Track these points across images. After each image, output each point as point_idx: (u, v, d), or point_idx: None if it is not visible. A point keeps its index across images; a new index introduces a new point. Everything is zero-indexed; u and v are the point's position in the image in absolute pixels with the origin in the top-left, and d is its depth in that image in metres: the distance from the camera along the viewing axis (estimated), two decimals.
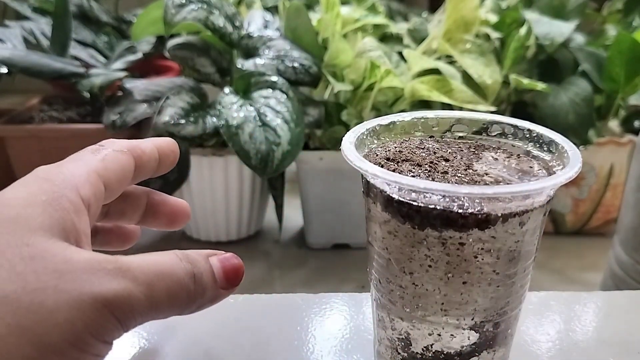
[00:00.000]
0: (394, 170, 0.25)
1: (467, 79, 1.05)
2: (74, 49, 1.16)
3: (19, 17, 1.26)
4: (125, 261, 0.21)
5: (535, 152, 0.28)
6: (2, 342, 0.18)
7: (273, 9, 1.23)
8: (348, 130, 0.27)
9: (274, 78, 0.97)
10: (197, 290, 0.23)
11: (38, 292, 0.19)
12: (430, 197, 0.22)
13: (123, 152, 0.26)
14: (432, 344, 0.26)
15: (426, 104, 1.04)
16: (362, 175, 0.25)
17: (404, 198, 0.23)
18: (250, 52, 1.07)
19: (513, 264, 0.24)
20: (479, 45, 1.09)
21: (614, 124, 1.21)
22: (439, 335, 0.25)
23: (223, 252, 0.25)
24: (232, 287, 0.24)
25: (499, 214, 0.22)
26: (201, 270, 0.23)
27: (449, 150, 0.28)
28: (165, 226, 0.31)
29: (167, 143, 0.29)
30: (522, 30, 1.12)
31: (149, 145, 0.28)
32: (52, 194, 0.22)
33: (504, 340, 0.27)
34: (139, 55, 1.21)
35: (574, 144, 0.26)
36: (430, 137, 0.30)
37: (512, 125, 0.29)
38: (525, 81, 1.05)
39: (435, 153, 0.28)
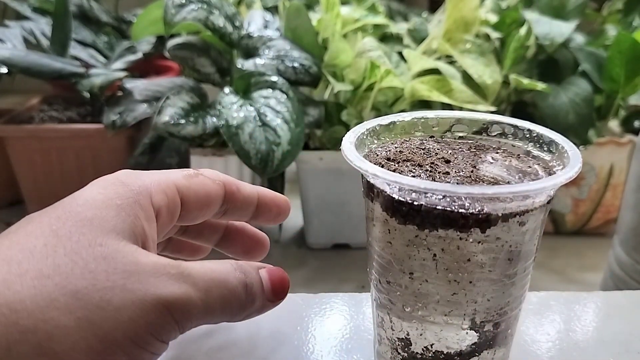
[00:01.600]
0: (394, 171, 0.25)
1: (467, 79, 1.05)
2: (74, 49, 1.16)
3: (19, 17, 1.26)
4: (187, 267, 0.23)
5: (536, 152, 0.28)
6: (70, 335, 0.19)
7: (273, 9, 1.23)
8: (348, 130, 0.27)
9: (274, 78, 0.97)
10: (247, 300, 0.24)
11: (107, 290, 0.20)
12: (431, 197, 0.22)
13: (214, 181, 0.27)
14: (432, 344, 0.26)
15: (426, 104, 1.04)
16: (362, 175, 0.25)
17: (404, 198, 0.23)
18: (250, 52, 1.07)
19: (513, 264, 0.24)
20: (479, 45, 1.09)
21: (614, 124, 1.21)
22: (439, 335, 0.25)
23: (271, 265, 0.26)
24: (278, 300, 0.26)
25: (499, 214, 0.22)
26: (252, 281, 0.24)
27: (449, 151, 0.28)
28: (241, 255, 0.32)
29: (274, 197, 0.30)
30: (522, 30, 1.12)
31: (250, 188, 0.29)
32: (126, 199, 0.23)
33: (504, 341, 0.27)
34: (139, 55, 1.21)
35: (574, 144, 0.26)
36: (431, 137, 0.30)
37: (512, 125, 0.29)
38: (525, 81, 1.05)
39: (435, 154, 0.28)
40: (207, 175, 0.27)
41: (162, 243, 0.30)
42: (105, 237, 0.22)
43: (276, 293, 0.25)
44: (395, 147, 0.28)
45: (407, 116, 0.30)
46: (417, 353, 0.26)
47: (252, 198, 0.29)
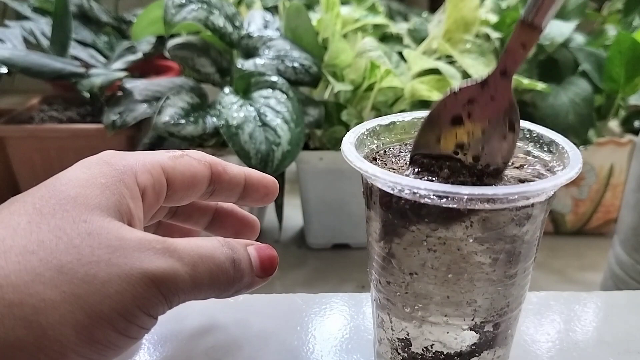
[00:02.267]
0: (390, 169, 0.25)
1: (467, 79, 1.05)
2: (74, 49, 1.16)
3: (19, 17, 1.26)
4: (172, 242, 0.23)
5: (536, 152, 0.28)
6: (56, 308, 0.19)
7: (273, 9, 1.23)
8: (348, 130, 0.27)
9: (274, 78, 0.97)
10: (235, 275, 0.24)
11: (92, 264, 0.20)
12: (431, 197, 0.22)
13: (200, 162, 0.27)
14: (432, 345, 0.26)
15: (426, 104, 1.03)
16: (362, 175, 0.25)
17: (403, 198, 0.23)
18: (250, 52, 1.07)
19: (513, 265, 0.24)
20: (479, 45, 1.09)
21: (614, 124, 1.21)
22: (439, 335, 0.25)
23: (259, 242, 0.27)
24: (267, 276, 0.26)
25: (500, 215, 0.22)
26: (240, 257, 0.25)
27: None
28: (232, 237, 0.32)
29: (261, 177, 0.30)
30: None
31: (236, 169, 0.29)
32: (110, 178, 0.23)
33: (504, 341, 0.27)
34: (139, 55, 1.21)
35: (574, 144, 0.26)
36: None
37: None
38: (525, 81, 1.05)
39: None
40: (193, 156, 0.27)
41: (151, 227, 0.30)
42: (89, 214, 0.22)
43: (265, 269, 0.26)
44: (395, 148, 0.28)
45: (407, 116, 0.30)
46: (417, 353, 0.26)
47: (239, 178, 0.29)
